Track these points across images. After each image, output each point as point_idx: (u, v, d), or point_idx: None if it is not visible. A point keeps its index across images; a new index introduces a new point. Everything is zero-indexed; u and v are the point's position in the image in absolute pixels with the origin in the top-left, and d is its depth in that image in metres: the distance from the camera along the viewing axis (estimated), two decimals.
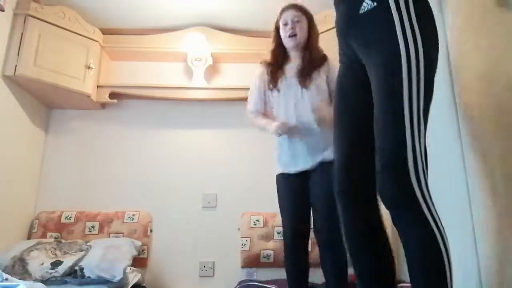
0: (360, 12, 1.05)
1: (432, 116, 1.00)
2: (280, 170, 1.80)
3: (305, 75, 1.76)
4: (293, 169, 1.75)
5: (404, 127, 0.94)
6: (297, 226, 1.73)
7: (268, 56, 1.89)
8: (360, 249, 1.09)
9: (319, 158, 1.71)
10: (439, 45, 1.06)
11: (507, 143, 1.15)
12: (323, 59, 1.82)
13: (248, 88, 2.04)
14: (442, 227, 0.94)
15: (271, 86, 1.83)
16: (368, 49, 1.05)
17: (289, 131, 1.71)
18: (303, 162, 1.73)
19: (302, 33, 1.79)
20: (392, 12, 0.98)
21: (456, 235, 1.38)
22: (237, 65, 2.87)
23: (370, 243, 1.09)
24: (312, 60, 1.79)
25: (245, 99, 2.72)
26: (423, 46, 0.97)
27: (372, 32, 1.03)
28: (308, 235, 1.75)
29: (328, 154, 1.64)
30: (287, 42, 1.81)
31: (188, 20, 2.75)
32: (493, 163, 1.23)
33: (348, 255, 1.15)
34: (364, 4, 1.04)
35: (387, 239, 1.10)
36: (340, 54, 1.22)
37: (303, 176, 1.74)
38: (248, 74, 2.83)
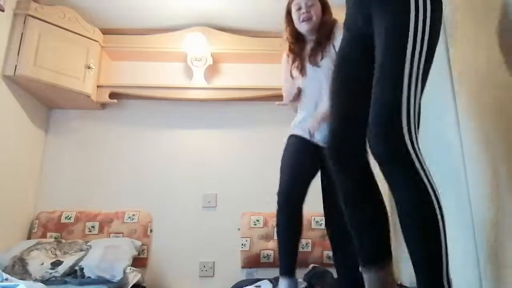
0: None
1: (432, 114, 1.01)
2: (293, 132, 1.78)
3: (316, 54, 1.74)
4: (304, 135, 1.72)
5: (402, 83, 0.97)
6: (294, 185, 1.68)
7: (286, 43, 1.86)
8: (353, 200, 1.15)
9: None
10: (440, 46, 1.07)
11: (509, 141, 1.15)
12: (332, 28, 1.77)
13: (248, 88, 2.04)
14: (434, 183, 0.97)
15: (298, 72, 1.80)
16: (380, 9, 1.09)
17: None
18: (318, 135, 1.69)
19: (316, 16, 1.75)
20: None
21: (456, 235, 1.38)
22: (237, 65, 2.87)
23: (363, 195, 1.14)
24: (328, 38, 1.75)
25: (245, 99, 2.74)
26: (431, 16, 1.02)
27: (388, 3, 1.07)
28: (303, 198, 1.69)
29: None
30: (301, 27, 1.77)
31: (188, 20, 2.75)
32: (494, 162, 1.23)
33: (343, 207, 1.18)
34: None
35: (379, 193, 1.15)
36: (346, 23, 1.26)
37: (315, 148, 1.69)
38: (248, 74, 2.84)
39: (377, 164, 1.01)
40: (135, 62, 2.87)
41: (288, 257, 1.67)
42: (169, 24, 2.79)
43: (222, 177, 2.69)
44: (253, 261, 2.45)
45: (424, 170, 0.95)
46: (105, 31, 2.72)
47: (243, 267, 2.49)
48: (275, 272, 2.35)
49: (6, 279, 1.55)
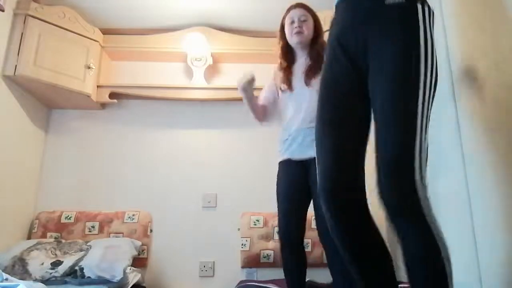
0: (386, 2, 1.01)
1: (432, 117, 1.00)
2: (281, 158, 1.80)
3: (311, 73, 1.74)
4: (293, 156, 1.74)
5: (416, 127, 0.90)
6: (292, 211, 1.71)
7: (278, 57, 1.87)
8: (354, 248, 1.03)
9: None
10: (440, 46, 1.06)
11: (509, 141, 1.15)
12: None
13: None
14: (443, 235, 0.92)
15: (282, 87, 1.82)
16: (385, 38, 1.00)
17: (246, 83, 1.72)
18: (300, 152, 1.72)
19: (308, 31, 1.77)
20: (419, 13, 0.98)
21: (456, 236, 1.38)
22: (237, 65, 2.87)
23: (364, 241, 1.03)
24: (321, 57, 1.74)
25: None
26: (432, 54, 0.97)
27: (392, 23, 1.00)
28: (304, 231, 1.73)
29: None
30: (292, 40, 1.79)
31: (188, 20, 2.75)
32: (494, 163, 1.23)
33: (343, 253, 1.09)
34: None
35: (380, 237, 1.05)
36: (337, 36, 1.12)
37: (303, 167, 1.71)
38: None
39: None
40: (135, 62, 2.88)
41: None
42: (169, 24, 2.79)
43: (222, 177, 2.69)
44: (253, 261, 2.45)
45: (434, 223, 0.91)
46: (105, 31, 2.72)
47: (243, 267, 2.49)
48: (275, 272, 2.36)
49: (6, 279, 1.55)
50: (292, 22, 1.78)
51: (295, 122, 1.75)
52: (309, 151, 1.67)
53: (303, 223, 1.74)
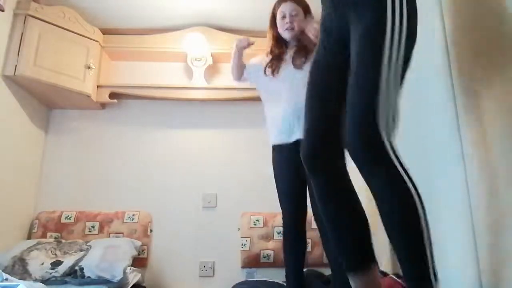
0: None
1: (432, 115, 1.01)
2: (275, 141, 1.84)
3: (299, 57, 1.82)
4: (287, 139, 1.78)
5: (378, 88, 0.98)
6: (296, 205, 1.78)
7: (268, 43, 1.95)
8: (331, 206, 1.13)
9: None
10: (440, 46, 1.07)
11: (509, 142, 1.15)
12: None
13: (248, 88, 2.06)
14: (414, 180, 0.97)
15: (270, 72, 1.87)
16: (356, 12, 1.09)
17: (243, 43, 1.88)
18: (294, 133, 1.75)
19: (298, 27, 1.84)
20: None
21: (456, 236, 1.39)
22: None
23: (344, 202, 1.13)
24: (306, 45, 1.83)
25: (245, 99, 2.74)
26: (407, 21, 1.03)
27: (366, 6, 1.07)
28: (305, 216, 1.79)
29: None
30: (284, 34, 1.86)
31: (188, 20, 2.75)
32: (494, 163, 1.23)
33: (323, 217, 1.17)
34: None
35: (357, 197, 1.14)
36: (324, 24, 1.25)
37: (297, 148, 1.74)
38: None
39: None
40: (135, 62, 2.88)
41: (297, 281, 1.75)
42: (169, 24, 2.79)
43: (222, 177, 2.69)
44: (253, 261, 2.45)
45: (403, 169, 0.97)
46: (105, 31, 2.72)
47: (243, 267, 2.49)
48: (275, 272, 2.36)
49: (6, 279, 1.55)
50: (284, 16, 1.84)
51: (285, 105, 1.79)
52: (300, 132, 1.70)
53: (304, 203, 1.78)
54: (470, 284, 1.31)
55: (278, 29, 1.88)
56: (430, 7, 1.52)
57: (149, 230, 2.53)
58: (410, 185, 0.96)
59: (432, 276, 0.94)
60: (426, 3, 1.14)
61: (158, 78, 2.82)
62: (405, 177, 0.96)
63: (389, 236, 0.99)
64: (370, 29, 1.03)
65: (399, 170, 0.96)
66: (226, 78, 2.89)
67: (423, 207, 0.96)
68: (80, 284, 1.95)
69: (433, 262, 0.95)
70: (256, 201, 2.59)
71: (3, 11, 2.15)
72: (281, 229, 1.83)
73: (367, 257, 1.09)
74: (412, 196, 0.95)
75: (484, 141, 1.28)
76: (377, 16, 1.02)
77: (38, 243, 2.18)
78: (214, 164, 2.72)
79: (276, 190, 1.84)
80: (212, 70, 2.86)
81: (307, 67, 1.74)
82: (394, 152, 0.96)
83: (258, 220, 2.53)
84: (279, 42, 1.90)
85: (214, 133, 2.80)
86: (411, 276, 0.96)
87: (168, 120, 2.80)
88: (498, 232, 1.20)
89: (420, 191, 0.98)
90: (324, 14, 1.25)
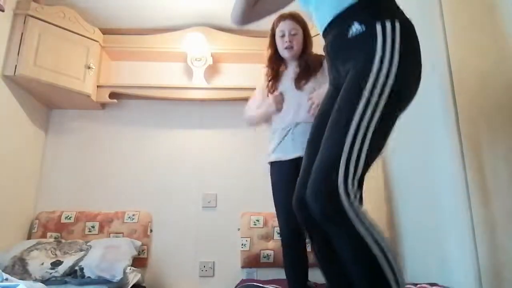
0: (348, 36, 1.05)
1: (432, 117, 1.00)
2: (272, 158, 1.84)
3: (301, 79, 1.83)
4: (283, 156, 1.78)
5: (344, 140, 0.93)
6: (293, 222, 1.73)
7: (266, 63, 1.94)
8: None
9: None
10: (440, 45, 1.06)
11: (509, 142, 1.15)
12: (320, 63, 1.86)
13: (248, 88, 2.06)
14: (374, 231, 0.91)
15: (271, 91, 1.88)
16: (347, 67, 1.06)
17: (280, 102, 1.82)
18: (292, 151, 1.76)
19: (298, 46, 1.84)
20: (377, 35, 0.99)
21: (456, 236, 1.39)
22: (237, 65, 2.87)
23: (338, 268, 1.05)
24: (308, 66, 1.84)
25: (245, 99, 2.73)
26: (395, 79, 0.96)
27: (355, 53, 1.04)
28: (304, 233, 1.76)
29: None
30: (284, 53, 1.86)
31: (188, 20, 2.75)
32: (494, 163, 1.23)
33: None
34: (353, 28, 1.04)
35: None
36: (329, 78, 1.24)
37: (295, 166, 1.72)
38: (248, 74, 2.84)
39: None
40: (135, 62, 2.88)
41: None
42: (169, 24, 2.79)
43: (222, 177, 2.69)
44: (253, 261, 2.45)
45: (361, 223, 0.91)
46: (105, 31, 2.72)
47: (243, 267, 2.49)
48: (275, 272, 2.36)
49: (6, 279, 1.55)
50: (283, 35, 1.84)
51: (284, 122, 1.81)
52: (300, 150, 1.71)
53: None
54: (470, 283, 1.31)
55: (278, 48, 1.87)
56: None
57: (149, 230, 2.53)
58: (369, 240, 0.89)
59: None
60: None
61: (158, 78, 2.82)
62: (361, 231, 0.90)
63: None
64: (357, 72, 0.99)
65: (356, 226, 0.90)
66: (226, 78, 2.90)
67: (386, 258, 0.89)
68: (80, 284, 1.95)
69: None
70: (256, 201, 2.59)
71: (3, 11, 2.15)
72: None
73: None
74: (371, 254, 0.89)
75: (484, 141, 1.28)
76: (365, 59, 0.98)
77: (38, 243, 2.18)
78: (214, 164, 2.72)
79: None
80: (212, 70, 2.86)
81: (308, 87, 1.80)
82: (351, 207, 0.90)
83: (258, 220, 2.53)
84: (277, 60, 1.90)
85: (214, 133, 2.80)
86: None
87: (168, 120, 2.80)
88: (498, 232, 1.20)
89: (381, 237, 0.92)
90: (328, 67, 1.23)
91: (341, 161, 0.92)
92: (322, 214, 0.94)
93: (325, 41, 1.18)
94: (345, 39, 1.06)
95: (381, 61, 0.96)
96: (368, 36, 1.01)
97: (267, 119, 1.92)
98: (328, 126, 1.01)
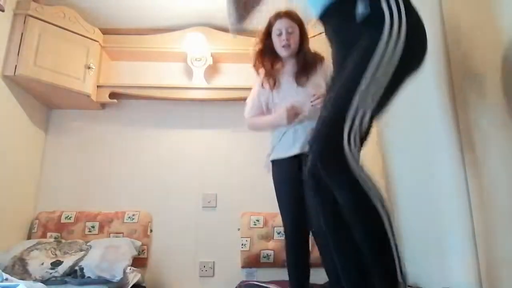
0: (354, 16, 1.08)
1: (431, 115, 1.01)
2: (274, 156, 1.84)
3: (301, 76, 1.83)
4: (284, 154, 1.78)
5: (351, 101, 0.98)
6: (298, 220, 1.75)
7: (259, 61, 1.92)
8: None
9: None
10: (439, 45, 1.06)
11: (509, 141, 1.15)
12: (320, 59, 1.87)
13: (248, 88, 2.06)
14: (372, 183, 0.98)
15: (269, 89, 1.88)
16: (354, 46, 1.08)
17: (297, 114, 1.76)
18: (292, 148, 1.76)
19: (295, 44, 1.84)
20: (385, 14, 1.03)
21: (456, 236, 1.39)
22: (237, 65, 2.87)
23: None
24: (307, 63, 1.85)
25: (245, 99, 2.73)
26: (403, 47, 1.01)
27: (363, 29, 1.07)
28: (308, 228, 1.76)
29: None
30: (281, 51, 1.86)
31: (188, 20, 2.75)
32: (494, 163, 1.23)
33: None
34: (359, 8, 1.07)
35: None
36: (333, 62, 1.25)
37: (297, 162, 1.74)
38: (248, 74, 2.82)
39: None
40: (135, 62, 2.87)
41: None
42: (169, 24, 2.79)
43: (222, 177, 2.69)
44: (253, 261, 2.45)
45: (361, 175, 0.97)
46: (105, 31, 2.72)
47: (243, 267, 2.49)
48: (275, 272, 2.36)
49: (6, 279, 1.55)
50: (280, 34, 1.83)
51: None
52: (301, 146, 1.72)
53: (306, 220, 1.75)
54: (470, 283, 1.31)
55: (274, 46, 1.87)
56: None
57: (149, 230, 2.53)
58: (370, 190, 0.96)
59: (399, 276, 0.95)
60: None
61: (158, 78, 2.82)
62: (362, 183, 0.96)
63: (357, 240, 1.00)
64: (370, 42, 1.02)
65: (357, 178, 0.96)
66: (226, 78, 2.90)
67: (386, 211, 0.97)
68: (80, 284, 1.95)
69: (400, 262, 0.96)
70: (256, 201, 2.59)
71: (3, 11, 2.15)
72: (281, 229, 1.82)
73: None
74: (372, 203, 0.96)
75: (484, 140, 1.28)
76: (375, 32, 1.02)
77: (38, 243, 2.18)
78: (214, 164, 2.72)
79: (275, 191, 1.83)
80: (212, 70, 2.86)
81: (309, 84, 1.81)
82: (352, 158, 0.96)
83: (258, 220, 2.53)
84: (270, 55, 1.89)
85: (214, 133, 2.79)
86: (379, 276, 0.97)
87: (168, 120, 2.80)
88: (498, 232, 1.20)
89: (384, 196, 0.99)
90: (332, 55, 1.25)
91: (348, 115, 0.97)
92: (321, 156, 0.99)
93: (326, 25, 1.20)
94: (350, 19, 1.08)
95: (390, 33, 1.01)
96: (375, 14, 1.04)
97: (273, 129, 1.90)
98: (339, 84, 1.05)
